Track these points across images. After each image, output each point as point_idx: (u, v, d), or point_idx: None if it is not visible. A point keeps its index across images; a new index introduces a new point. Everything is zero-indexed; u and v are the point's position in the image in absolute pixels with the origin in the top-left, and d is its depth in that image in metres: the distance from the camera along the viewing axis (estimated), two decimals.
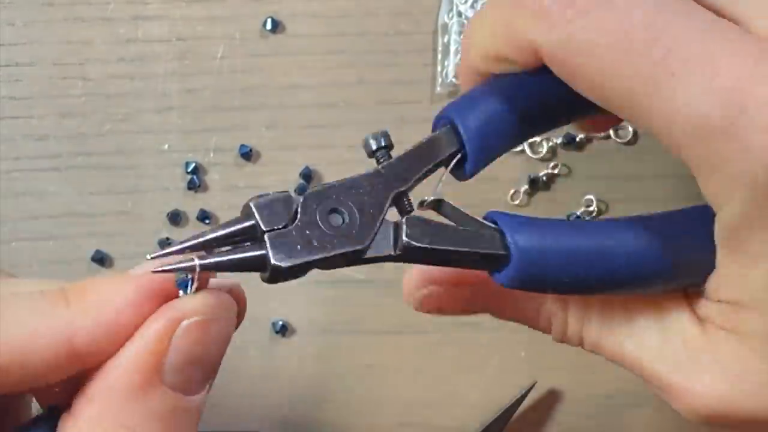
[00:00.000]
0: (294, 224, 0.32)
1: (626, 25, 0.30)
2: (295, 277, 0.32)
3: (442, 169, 0.35)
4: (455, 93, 0.52)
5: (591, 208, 0.52)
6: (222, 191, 0.52)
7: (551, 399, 0.52)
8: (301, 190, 0.52)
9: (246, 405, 0.51)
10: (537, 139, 0.52)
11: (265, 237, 0.31)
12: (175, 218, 0.52)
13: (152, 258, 0.31)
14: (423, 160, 0.34)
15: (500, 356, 0.52)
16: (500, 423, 0.50)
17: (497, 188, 0.52)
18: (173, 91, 0.52)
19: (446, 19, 0.53)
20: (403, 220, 0.33)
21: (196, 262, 0.31)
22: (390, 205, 0.33)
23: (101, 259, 0.51)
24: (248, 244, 0.32)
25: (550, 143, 0.52)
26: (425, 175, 0.34)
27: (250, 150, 0.52)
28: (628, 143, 0.53)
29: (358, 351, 0.52)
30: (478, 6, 0.52)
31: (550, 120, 0.37)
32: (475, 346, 0.52)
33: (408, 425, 0.52)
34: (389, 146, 0.34)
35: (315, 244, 0.32)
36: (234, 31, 0.53)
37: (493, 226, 0.33)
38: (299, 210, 0.32)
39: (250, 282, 0.52)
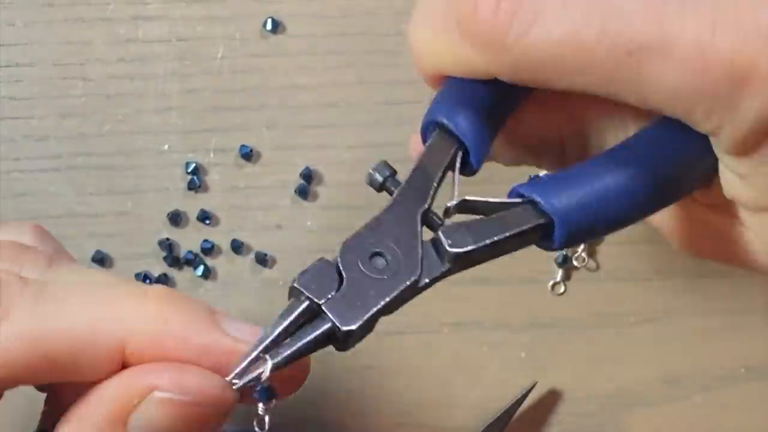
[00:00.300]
0: (344, 285, 0.31)
1: (569, 27, 0.30)
2: (367, 333, 0.32)
3: (450, 173, 0.34)
4: None
5: None
6: (222, 191, 0.52)
7: (551, 399, 0.52)
8: (301, 191, 0.52)
9: (245, 405, 0.51)
10: None
11: (323, 308, 0.31)
12: (176, 218, 0.52)
13: (232, 380, 0.31)
14: (431, 172, 0.34)
15: (500, 356, 0.52)
16: (500, 423, 0.50)
17: (497, 189, 0.52)
18: (173, 92, 0.52)
19: None
20: (439, 233, 0.32)
21: (269, 363, 0.31)
22: (422, 226, 0.33)
23: (101, 259, 0.51)
24: (310, 324, 0.31)
25: None
26: (439, 185, 0.34)
27: (251, 150, 0.52)
28: None
29: (357, 351, 0.51)
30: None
31: (522, 95, 0.37)
32: (475, 346, 0.52)
33: (408, 425, 0.52)
34: (394, 173, 0.34)
35: (372, 294, 0.31)
36: (234, 31, 0.53)
37: (521, 200, 0.33)
38: (342, 269, 0.32)
39: (251, 282, 0.52)
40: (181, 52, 0.52)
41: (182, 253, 0.52)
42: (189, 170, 0.52)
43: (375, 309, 0.31)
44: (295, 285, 0.31)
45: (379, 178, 0.34)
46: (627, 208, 0.34)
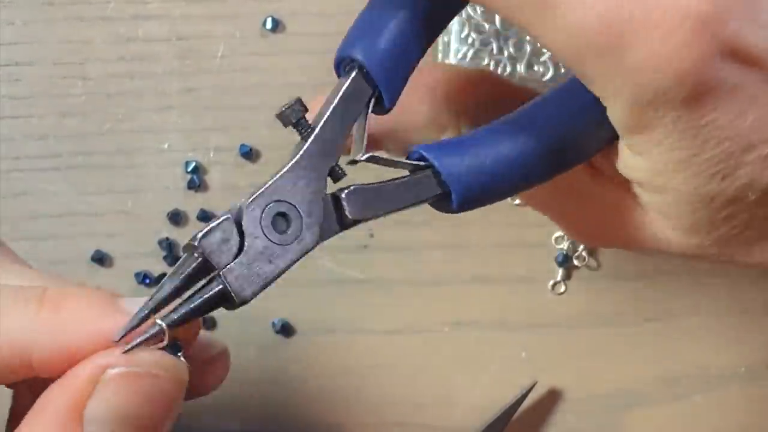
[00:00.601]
0: (244, 251, 0.32)
1: None
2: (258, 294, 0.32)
3: (363, 118, 0.34)
4: None
5: None
6: (222, 191, 0.52)
7: (551, 399, 0.52)
8: None
9: (246, 405, 0.51)
10: None
11: (222, 275, 0.31)
12: (175, 218, 0.52)
13: (119, 339, 0.30)
14: (345, 117, 0.34)
15: (500, 356, 0.52)
16: (500, 423, 0.50)
17: None
18: (173, 91, 0.52)
19: None
20: (343, 195, 0.33)
21: (159, 323, 0.31)
22: (326, 183, 0.33)
23: (101, 259, 0.51)
24: (205, 282, 0.32)
25: None
26: (349, 132, 0.34)
27: (251, 149, 0.52)
28: None
29: (358, 351, 0.52)
30: (479, 5, 0.52)
31: (443, 21, 0.37)
32: (475, 346, 0.52)
33: (408, 425, 0.52)
34: (305, 112, 0.34)
35: (270, 262, 0.32)
36: (234, 30, 0.52)
37: (424, 164, 0.34)
38: (244, 228, 0.32)
39: None
40: (181, 51, 0.52)
41: (182, 252, 0.52)
42: (189, 169, 0.52)
43: (271, 277, 0.32)
44: (194, 243, 0.32)
45: (293, 118, 0.34)
46: (523, 172, 0.34)
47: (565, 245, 0.52)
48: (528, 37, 0.50)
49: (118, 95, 0.52)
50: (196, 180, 0.52)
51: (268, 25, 0.52)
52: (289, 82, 0.52)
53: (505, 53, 0.51)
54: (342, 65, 0.35)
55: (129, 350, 0.30)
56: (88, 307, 0.31)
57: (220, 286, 0.32)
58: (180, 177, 0.52)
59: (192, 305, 0.32)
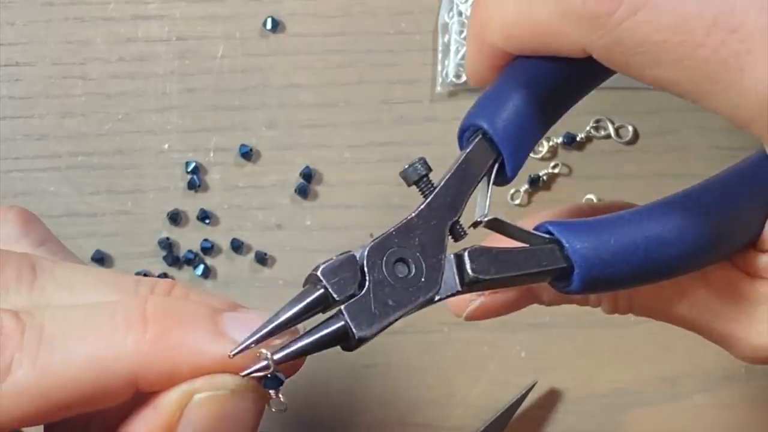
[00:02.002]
0: (366, 288, 0.31)
1: (680, 16, 0.29)
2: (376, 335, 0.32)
3: (484, 182, 0.34)
4: (455, 93, 0.52)
5: None
6: (222, 191, 0.52)
7: (551, 399, 0.52)
8: (300, 190, 0.52)
9: None
10: None
11: (342, 310, 0.31)
12: (175, 218, 0.52)
13: (233, 354, 0.30)
14: (467, 180, 0.34)
15: (500, 356, 0.52)
16: (500, 423, 0.50)
17: (498, 188, 0.52)
18: (173, 91, 0.52)
19: (447, 19, 0.53)
20: (466, 254, 0.33)
21: (267, 354, 0.31)
22: (448, 238, 0.33)
23: (101, 259, 0.51)
24: (324, 316, 0.32)
25: (551, 143, 0.52)
26: (470, 194, 0.34)
27: (251, 150, 0.52)
28: (628, 143, 0.53)
29: (358, 351, 0.51)
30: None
31: (571, 99, 0.36)
32: (475, 346, 0.52)
33: (408, 425, 0.52)
34: (429, 171, 0.34)
35: (390, 303, 0.32)
36: (234, 30, 0.53)
37: (548, 237, 0.33)
38: (366, 269, 0.32)
39: (251, 281, 0.52)
40: (181, 52, 0.52)
41: (182, 252, 0.52)
42: (189, 170, 0.52)
43: (391, 319, 0.31)
44: (317, 273, 0.31)
45: (414, 177, 0.34)
46: (659, 257, 0.33)
47: None
48: None
49: (118, 95, 0.52)
50: (196, 180, 0.52)
51: (268, 25, 0.52)
52: (289, 83, 0.52)
53: None
54: (466, 134, 0.35)
55: (245, 375, 0.31)
56: (193, 330, 0.31)
57: (341, 323, 0.31)
58: (180, 177, 0.52)
59: (309, 340, 0.31)
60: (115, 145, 0.52)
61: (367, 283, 0.31)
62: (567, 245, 0.33)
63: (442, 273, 0.32)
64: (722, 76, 0.29)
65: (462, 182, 0.34)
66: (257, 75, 0.52)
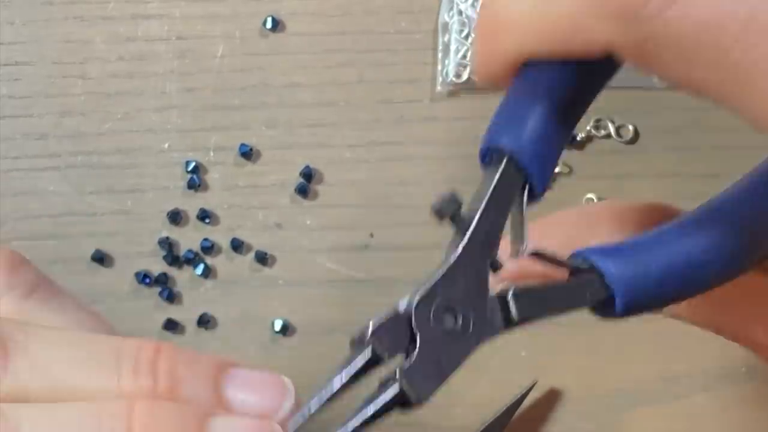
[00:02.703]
0: (417, 346, 0.31)
1: (714, 12, 0.27)
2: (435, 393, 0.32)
3: (516, 207, 0.33)
4: (456, 92, 0.52)
5: None
6: (222, 190, 0.52)
7: (551, 399, 0.52)
8: (300, 190, 0.52)
9: None
10: None
11: (397, 374, 0.30)
12: (175, 217, 0.52)
13: None
14: (498, 208, 0.33)
15: (500, 356, 0.52)
16: (501, 422, 0.50)
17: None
18: (173, 90, 0.52)
19: (447, 18, 0.53)
20: (510, 297, 0.32)
21: None
22: (488, 276, 0.32)
23: (101, 259, 0.51)
24: (378, 385, 0.31)
25: None
26: (504, 225, 0.33)
27: (251, 149, 0.52)
28: (628, 143, 0.53)
29: None
30: (479, 5, 0.52)
31: (585, 104, 0.35)
32: None
33: (408, 425, 0.51)
34: (460, 206, 0.32)
35: (443, 359, 0.31)
36: (234, 29, 0.52)
37: (586, 266, 0.33)
38: (415, 325, 0.31)
39: (251, 280, 0.52)
40: (181, 51, 0.52)
41: (182, 251, 0.52)
42: (189, 169, 0.52)
43: (447, 376, 0.31)
44: (367, 339, 0.31)
45: (447, 212, 0.32)
46: (700, 282, 0.33)
47: None
48: None
49: (118, 95, 0.52)
50: (196, 179, 0.52)
51: (268, 24, 0.52)
52: (289, 82, 0.52)
53: None
54: (488, 156, 0.34)
55: None
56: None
57: (397, 390, 0.30)
58: (180, 177, 0.52)
59: (371, 413, 0.31)
60: (114, 144, 0.52)
61: (418, 341, 0.31)
62: (607, 273, 0.32)
63: (488, 317, 0.32)
64: (752, 78, 0.28)
65: (494, 212, 0.33)
66: (257, 74, 0.52)
